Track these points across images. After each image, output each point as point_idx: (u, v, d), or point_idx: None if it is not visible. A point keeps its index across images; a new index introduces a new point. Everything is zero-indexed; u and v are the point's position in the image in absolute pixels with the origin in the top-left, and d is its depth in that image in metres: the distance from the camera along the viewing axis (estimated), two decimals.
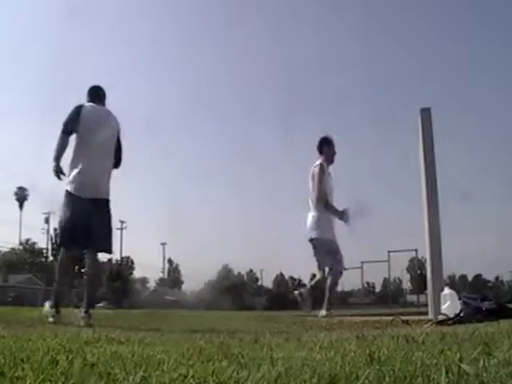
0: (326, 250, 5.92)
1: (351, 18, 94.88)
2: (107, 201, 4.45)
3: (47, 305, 4.20)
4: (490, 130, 78.45)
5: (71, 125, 4.35)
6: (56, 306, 4.24)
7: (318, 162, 6.05)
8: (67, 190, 4.31)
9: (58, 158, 4.35)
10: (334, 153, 6.15)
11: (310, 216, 6.00)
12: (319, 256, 5.99)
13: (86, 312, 4.06)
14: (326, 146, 6.12)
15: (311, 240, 5.99)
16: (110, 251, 4.62)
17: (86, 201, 4.24)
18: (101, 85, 4.74)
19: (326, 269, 6.07)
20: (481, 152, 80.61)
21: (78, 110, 4.40)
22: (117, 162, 4.59)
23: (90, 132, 4.34)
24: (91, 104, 4.53)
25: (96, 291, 4.06)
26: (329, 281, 5.95)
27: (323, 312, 5.81)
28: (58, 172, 4.32)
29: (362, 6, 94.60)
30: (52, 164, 4.33)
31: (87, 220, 4.19)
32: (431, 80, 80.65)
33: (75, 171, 4.30)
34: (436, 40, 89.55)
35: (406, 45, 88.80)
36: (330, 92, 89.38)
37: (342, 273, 6.14)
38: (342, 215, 5.98)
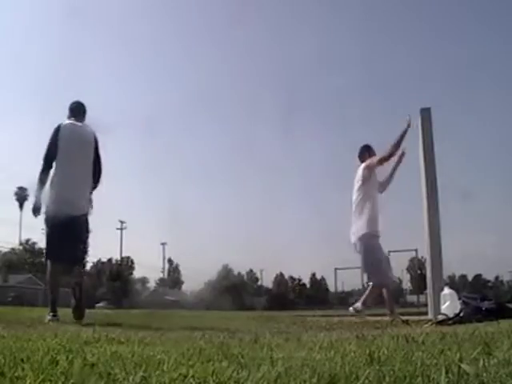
0: (372, 254, 5.61)
1: (351, 18, 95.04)
2: (85, 216, 4.75)
3: (48, 317, 4.41)
4: (490, 129, 78.61)
5: (51, 158, 4.63)
6: (53, 311, 4.44)
7: (363, 165, 5.90)
8: (51, 209, 4.61)
9: (39, 197, 4.67)
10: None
11: (357, 218, 5.74)
12: (366, 260, 5.68)
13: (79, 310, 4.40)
14: (367, 153, 6.06)
15: (359, 239, 5.68)
16: (81, 264, 4.85)
17: (65, 218, 4.49)
18: (81, 101, 5.02)
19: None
20: (481, 152, 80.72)
21: (56, 133, 4.65)
22: (96, 179, 4.84)
23: (66, 153, 4.64)
24: (70, 122, 4.79)
25: (85, 296, 4.50)
26: (370, 288, 5.68)
27: (358, 305, 5.56)
28: (37, 211, 4.65)
29: (362, 6, 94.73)
30: (32, 201, 4.71)
31: (67, 235, 4.52)
32: (431, 80, 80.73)
33: (55, 190, 4.61)
34: (436, 40, 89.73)
35: (406, 45, 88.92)
36: (330, 92, 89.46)
37: (387, 284, 5.71)
38: (406, 130, 5.74)
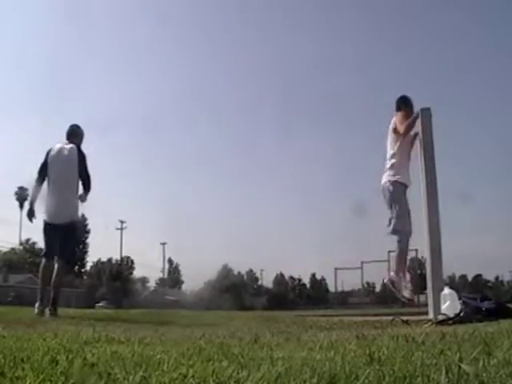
0: (394, 200, 5.32)
1: (351, 19, 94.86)
2: (71, 223, 5.74)
3: (36, 304, 5.42)
4: (489, 130, 78.60)
5: (43, 173, 5.66)
6: (41, 303, 5.35)
7: (392, 122, 5.55)
8: (43, 219, 5.67)
9: (32, 203, 5.77)
10: (412, 113, 5.57)
11: (387, 168, 5.50)
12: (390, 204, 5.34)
13: (52, 307, 5.23)
14: (403, 105, 5.63)
15: (385, 184, 5.43)
16: (70, 263, 6.06)
17: (54, 225, 5.58)
18: (79, 124, 6.02)
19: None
20: (480, 152, 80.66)
21: (47, 155, 5.68)
22: (87, 188, 5.71)
23: (53, 171, 5.65)
24: (60, 144, 5.73)
25: (60, 292, 5.55)
26: (398, 245, 5.29)
27: (392, 274, 5.25)
28: (30, 216, 5.73)
29: (359, 8, 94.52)
30: (27, 208, 5.83)
31: (56, 239, 5.52)
32: (429, 81, 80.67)
33: (46, 203, 5.66)
34: (433, 42, 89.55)
35: (404, 46, 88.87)
36: (330, 93, 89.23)
37: (410, 233, 5.35)
38: (417, 114, 5.54)
